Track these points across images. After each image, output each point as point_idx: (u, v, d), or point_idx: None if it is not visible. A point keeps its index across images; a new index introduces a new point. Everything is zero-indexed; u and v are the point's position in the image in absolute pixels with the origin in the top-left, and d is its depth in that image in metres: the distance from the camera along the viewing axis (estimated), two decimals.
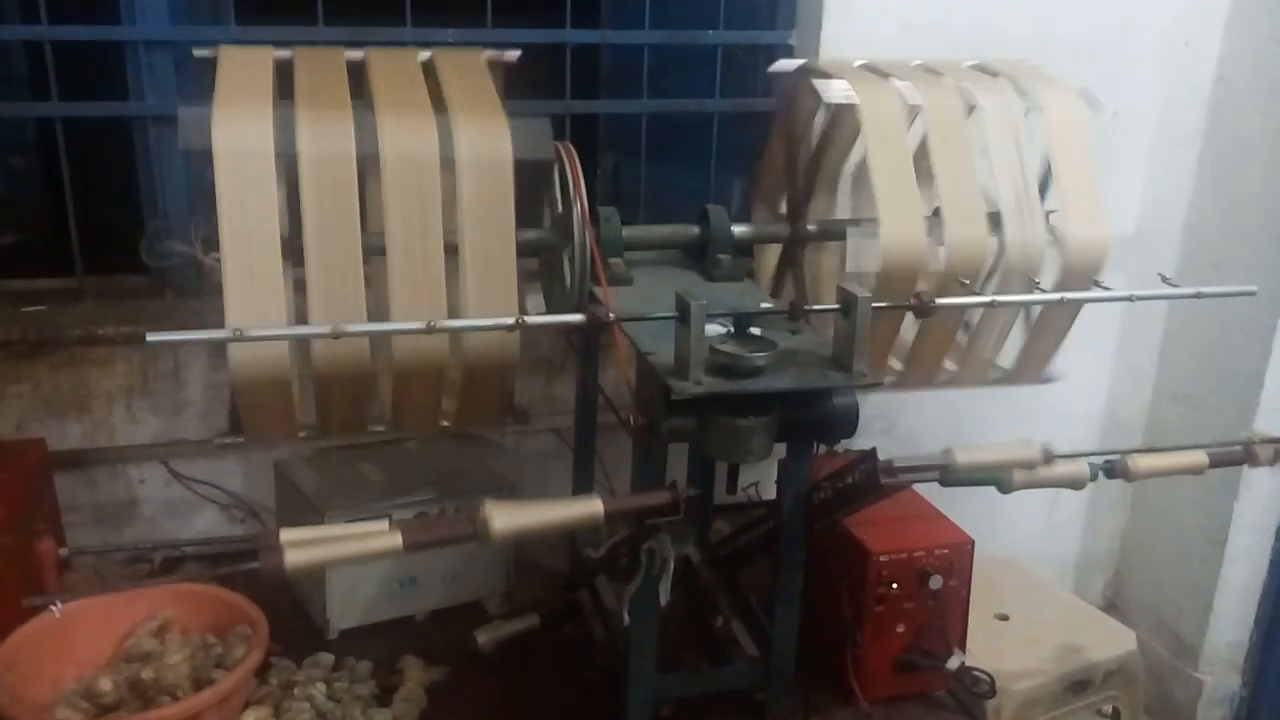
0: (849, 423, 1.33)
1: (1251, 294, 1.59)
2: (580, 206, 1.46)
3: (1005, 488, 1.38)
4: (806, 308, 1.32)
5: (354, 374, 1.38)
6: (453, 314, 1.38)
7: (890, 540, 1.55)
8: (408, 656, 1.66)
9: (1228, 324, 2.29)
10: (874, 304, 1.24)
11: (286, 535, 1.15)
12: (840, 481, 1.37)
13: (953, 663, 1.57)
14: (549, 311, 1.72)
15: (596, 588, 1.73)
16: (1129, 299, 1.53)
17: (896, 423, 2.33)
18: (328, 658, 1.64)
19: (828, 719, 1.58)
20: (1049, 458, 1.35)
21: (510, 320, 1.25)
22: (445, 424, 1.56)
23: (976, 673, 1.57)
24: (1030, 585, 2.12)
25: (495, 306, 1.40)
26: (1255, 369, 2.24)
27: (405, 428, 1.54)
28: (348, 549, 1.13)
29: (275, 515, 1.94)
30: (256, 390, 1.38)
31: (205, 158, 1.32)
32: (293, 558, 1.11)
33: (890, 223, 1.50)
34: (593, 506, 1.18)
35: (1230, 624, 2.45)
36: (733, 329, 1.29)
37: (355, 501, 1.69)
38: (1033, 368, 1.73)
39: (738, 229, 1.67)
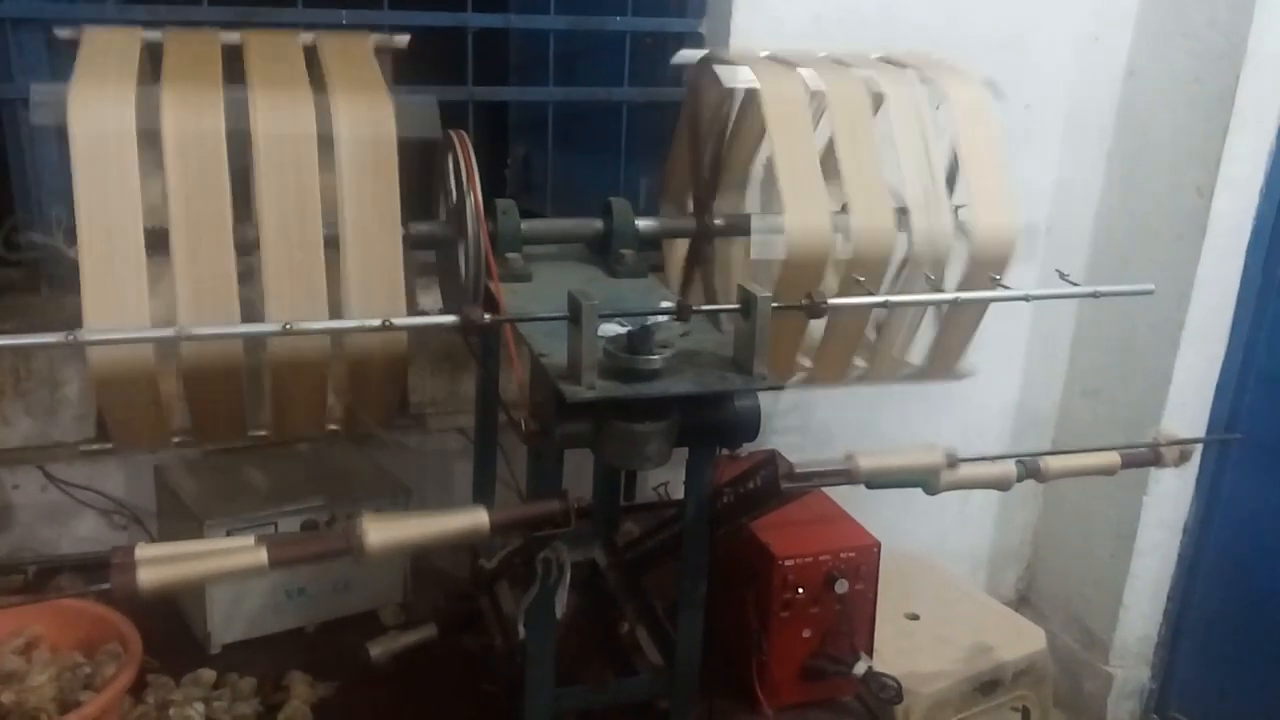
0: (751, 426, 1.28)
1: (1149, 293, 1.58)
2: (474, 199, 1.38)
3: (931, 489, 1.34)
4: (697, 307, 1.26)
5: (225, 373, 1.30)
6: (334, 308, 1.30)
7: (796, 544, 1.51)
8: (294, 672, 1.58)
9: (1136, 320, 2.30)
10: (772, 304, 1.19)
11: (141, 552, 1.06)
12: (742, 487, 1.32)
13: (859, 668, 1.54)
14: (446, 307, 1.65)
15: (497, 595, 1.66)
16: (1025, 298, 1.51)
17: (810, 417, 2.29)
18: (208, 674, 1.55)
19: None
20: (952, 461, 1.31)
21: (376, 322, 1.17)
22: (333, 427, 1.49)
23: (884, 678, 1.53)
24: (941, 583, 2.10)
25: (379, 301, 1.32)
26: (1163, 364, 2.25)
27: (289, 432, 1.45)
28: (206, 567, 1.05)
29: (156, 523, 1.84)
30: (119, 392, 1.29)
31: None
32: (147, 576, 1.03)
33: (794, 209, 1.45)
34: (477, 518, 1.12)
35: (1140, 618, 2.47)
36: (629, 329, 1.22)
37: (237, 510, 1.60)
38: (943, 365, 1.70)
39: (642, 223, 1.61)
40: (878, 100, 1.59)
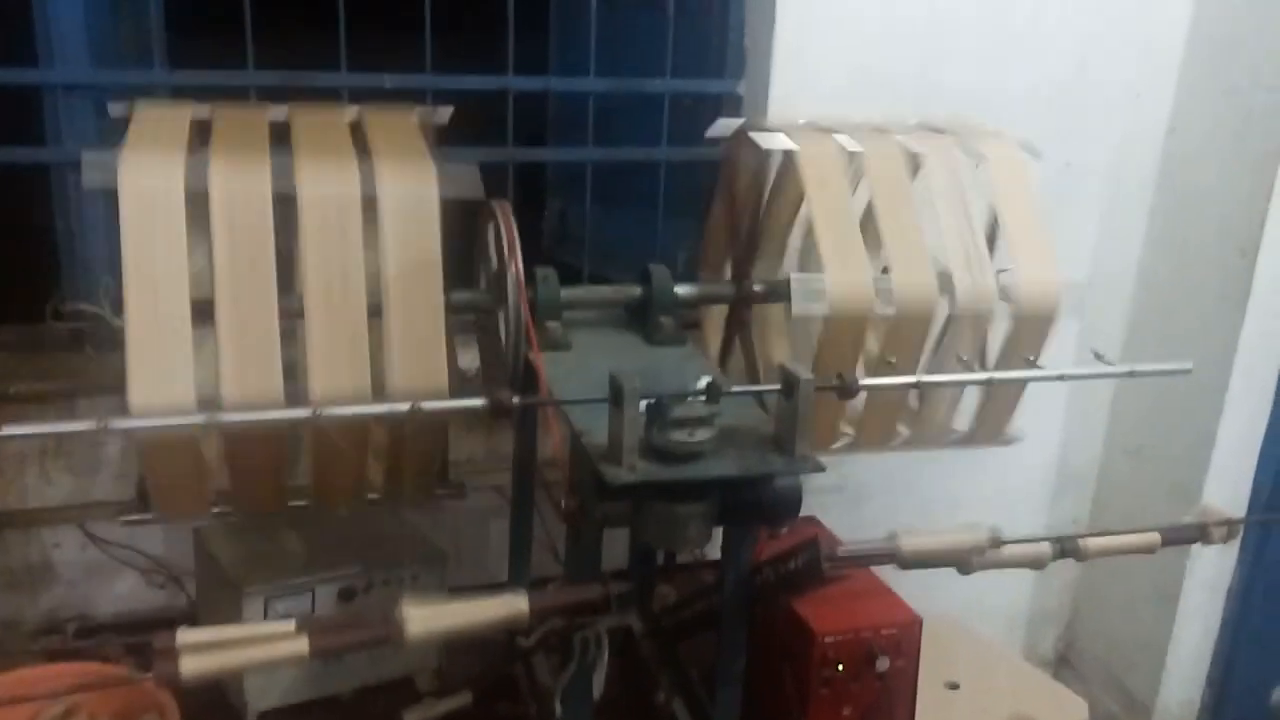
0: (793, 505, 1.26)
1: (1187, 372, 1.56)
2: (515, 271, 1.39)
3: (965, 570, 1.32)
4: (733, 389, 1.25)
5: (266, 442, 1.31)
6: (376, 376, 1.31)
7: (836, 619, 1.49)
8: None
9: (1178, 379, 2.26)
10: (811, 383, 1.18)
11: (183, 637, 1.07)
12: (783, 567, 1.30)
13: None
14: (485, 372, 1.65)
15: (532, 663, 1.66)
16: (1060, 378, 1.50)
17: (848, 475, 2.27)
18: None
19: None
20: (996, 542, 1.29)
21: (405, 407, 1.17)
22: (373, 497, 1.49)
23: None
24: (980, 650, 2.06)
25: (420, 370, 1.33)
26: (1207, 424, 2.21)
27: (329, 502, 1.46)
28: (249, 656, 1.05)
29: (195, 584, 1.85)
30: (161, 461, 1.30)
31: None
32: (190, 665, 1.03)
33: (835, 267, 1.45)
34: (516, 605, 1.11)
35: (1183, 682, 2.41)
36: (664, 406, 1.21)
37: (274, 577, 1.60)
38: (990, 430, 1.68)
39: (681, 289, 1.61)
40: (915, 163, 1.58)
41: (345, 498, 1.45)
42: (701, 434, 1.18)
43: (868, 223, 1.54)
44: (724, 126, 1.66)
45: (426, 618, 1.08)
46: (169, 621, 1.87)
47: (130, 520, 1.38)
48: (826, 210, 1.46)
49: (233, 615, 1.58)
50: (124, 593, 1.91)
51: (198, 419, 1.17)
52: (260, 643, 1.06)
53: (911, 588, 1.59)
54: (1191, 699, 2.43)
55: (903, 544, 1.25)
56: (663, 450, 1.17)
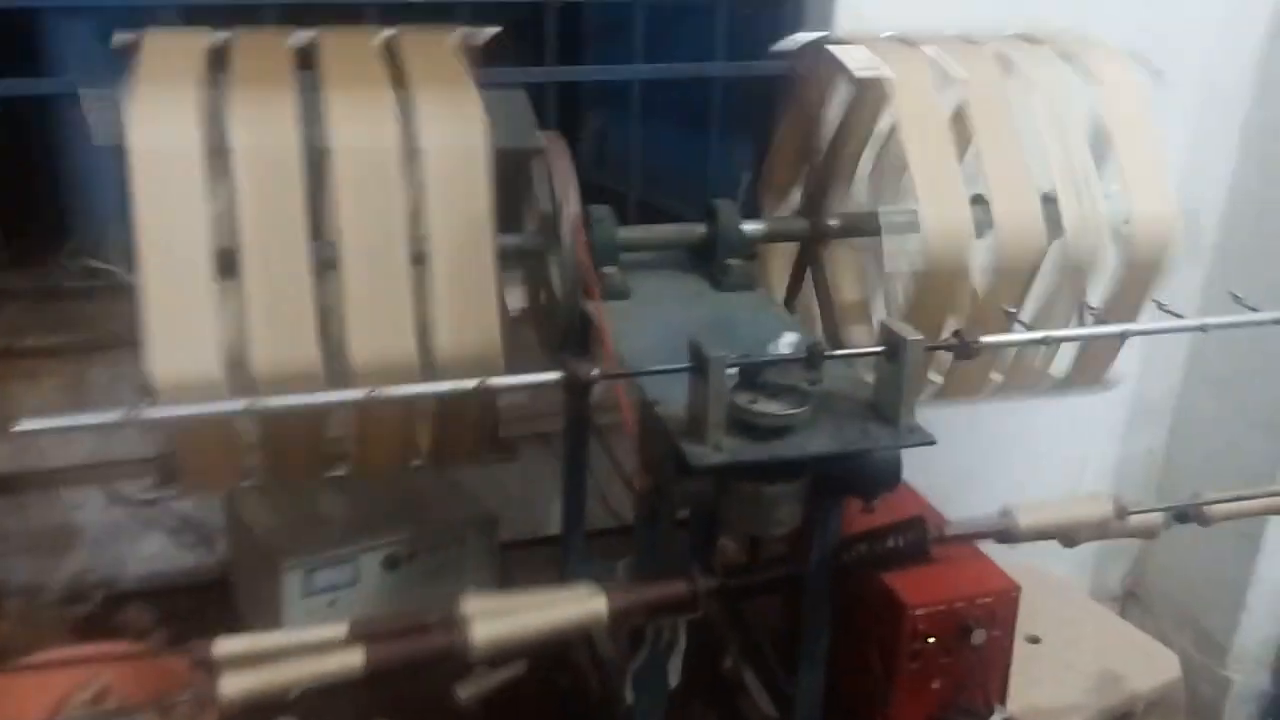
0: (891, 477, 1.13)
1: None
2: (571, 214, 1.24)
3: (1070, 543, 1.19)
4: (834, 352, 1.10)
5: (305, 415, 1.17)
6: (421, 330, 1.17)
7: (926, 590, 1.36)
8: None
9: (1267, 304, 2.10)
10: (923, 346, 1.03)
11: (220, 648, 0.95)
12: (878, 545, 1.17)
13: None
14: (535, 324, 1.51)
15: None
16: (1202, 328, 1.34)
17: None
18: None
19: None
20: (1123, 513, 1.15)
21: (471, 384, 1.03)
22: (418, 463, 1.36)
23: None
24: (1059, 598, 1.94)
25: (473, 329, 1.18)
26: None
27: (370, 468, 1.33)
28: (297, 672, 0.93)
29: (228, 550, 1.74)
30: (191, 438, 1.17)
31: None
32: (230, 687, 0.91)
33: (932, 208, 1.28)
34: (594, 606, 0.99)
35: (1263, 621, 2.30)
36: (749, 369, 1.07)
37: (313, 545, 1.49)
38: (1090, 374, 1.53)
39: (749, 227, 1.45)
40: (1010, 72, 1.40)
41: (388, 465, 1.32)
42: (796, 404, 1.03)
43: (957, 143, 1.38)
44: (796, 41, 1.48)
45: (493, 624, 0.96)
46: (201, 587, 1.79)
47: (151, 497, 1.25)
48: (923, 143, 1.29)
49: (270, 589, 1.47)
50: (153, 554, 1.81)
51: (235, 406, 1.03)
52: (308, 655, 0.94)
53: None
54: (1271, 638, 2.32)
55: (1020, 520, 1.11)
56: (751, 424, 1.03)
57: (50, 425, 0.98)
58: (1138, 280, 1.38)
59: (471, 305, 1.19)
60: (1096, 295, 1.43)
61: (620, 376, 1.09)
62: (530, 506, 1.95)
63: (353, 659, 0.94)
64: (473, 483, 1.75)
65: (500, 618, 0.98)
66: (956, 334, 1.14)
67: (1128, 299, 1.39)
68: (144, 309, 1.09)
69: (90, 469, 1.74)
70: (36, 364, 1.68)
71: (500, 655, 1.05)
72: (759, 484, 1.05)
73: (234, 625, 1.65)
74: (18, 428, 1.01)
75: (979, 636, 1.36)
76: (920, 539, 1.12)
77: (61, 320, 1.71)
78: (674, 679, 1.20)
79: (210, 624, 1.66)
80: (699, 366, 1.00)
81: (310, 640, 0.96)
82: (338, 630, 0.97)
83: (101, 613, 1.69)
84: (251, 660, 0.93)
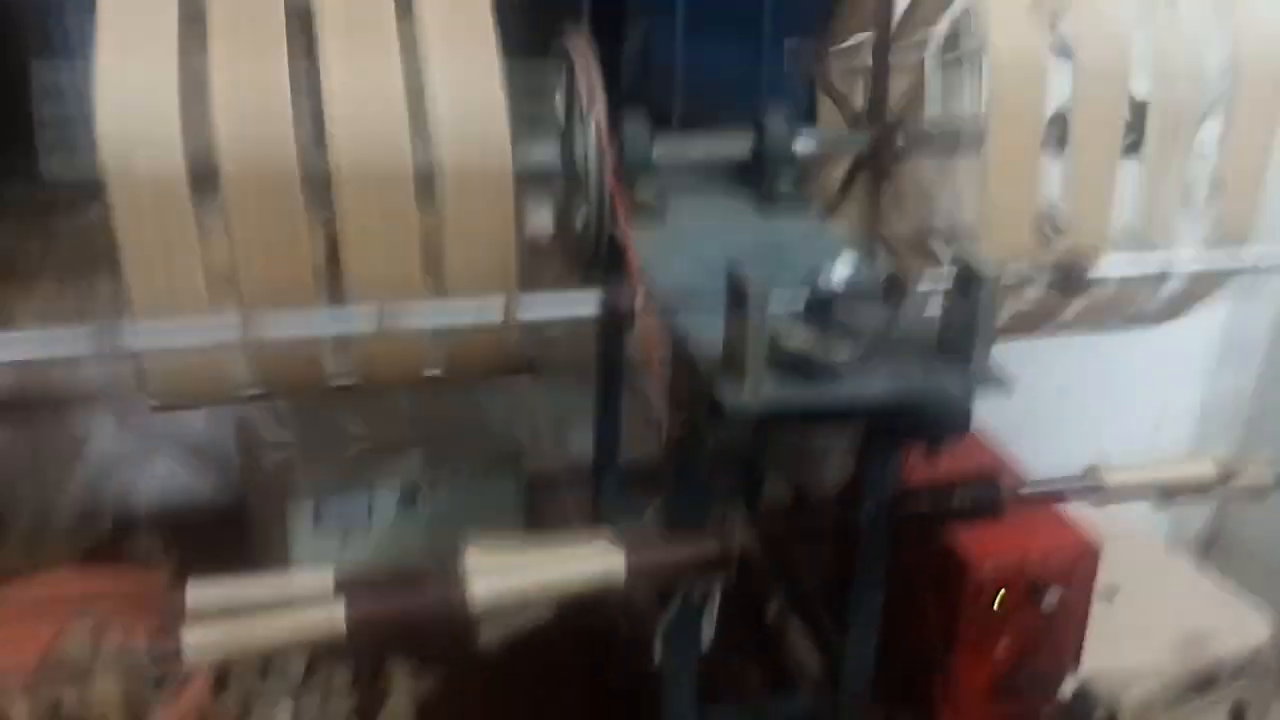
0: (959, 424, 0.98)
1: None
2: (596, 125, 1.09)
3: (1163, 502, 1.04)
4: (909, 286, 0.95)
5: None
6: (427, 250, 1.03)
7: (995, 546, 1.23)
8: (395, 662, 1.38)
9: None
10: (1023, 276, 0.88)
11: (194, 596, 0.84)
12: (944, 499, 1.03)
13: (1065, 690, 1.27)
14: (560, 242, 1.37)
15: None
16: None
17: None
18: (298, 666, 1.36)
19: None
20: (1227, 475, 1.00)
21: (496, 310, 0.90)
22: (433, 373, 1.23)
23: (1093, 699, 1.27)
24: (1135, 548, 1.79)
25: (483, 239, 1.04)
26: None
27: (379, 379, 1.19)
28: (269, 630, 0.82)
29: (239, 476, 1.64)
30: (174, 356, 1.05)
31: None
32: (194, 643, 0.81)
33: (1002, 36, 1.11)
34: (609, 564, 0.87)
35: None
36: (807, 306, 0.92)
37: (326, 475, 1.39)
38: (1180, 305, 1.36)
39: (802, 141, 1.29)
40: None
41: (399, 374, 1.19)
42: (850, 342, 0.89)
43: None
44: None
45: (495, 578, 0.84)
46: (216, 516, 1.70)
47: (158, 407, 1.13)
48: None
49: (279, 521, 1.38)
50: (167, 481, 1.72)
51: (229, 331, 0.91)
52: (284, 612, 0.83)
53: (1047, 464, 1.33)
54: None
55: (1108, 479, 0.97)
56: (797, 363, 0.89)
57: (25, 357, 0.87)
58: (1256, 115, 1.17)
59: (483, 221, 1.05)
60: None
61: (651, 307, 0.95)
62: (561, 440, 1.84)
63: (334, 617, 0.82)
64: (500, 412, 1.63)
65: (504, 574, 0.86)
66: (1063, 266, 0.98)
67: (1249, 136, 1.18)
68: (115, 217, 0.97)
69: (100, 391, 1.65)
70: (32, 273, 1.58)
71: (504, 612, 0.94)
72: (805, 432, 0.92)
73: (247, 557, 1.57)
74: None
75: (1052, 598, 1.23)
76: (992, 499, 0.98)
77: (46, 237, 1.59)
78: (707, 639, 1.08)
79: (224, 555, 1.60)
80: (737, 296, 0.86)
81: (288, 592, 0.85)
82: (323, 581, 0.86)
83: (111, 540, 1.62)
84: (223, 613, 0.82)
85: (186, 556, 1.56)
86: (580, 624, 1.48)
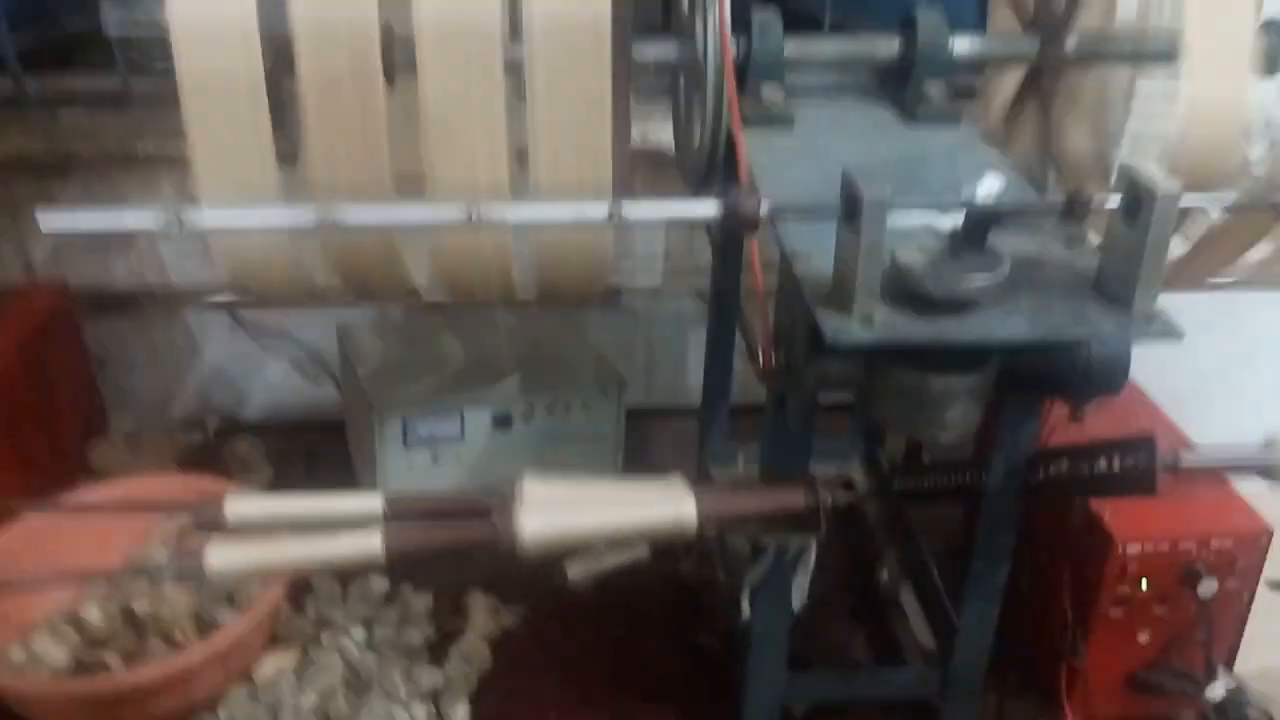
0: (1115, 378, 0.83)
1: None
2: (718, 13, 0.96)
3: None
4: (1086, 202, 0.80)
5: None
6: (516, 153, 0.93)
7: (1145, 523, 1.07)
8: (475, 593, 1.31)
9: None
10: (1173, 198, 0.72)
11: (232, 507, 0.77)
12: (1089, 466, 0.88)
13: (1215, 690, 1.11)
14: (678, 153, 1.25)
15: None
16: None
17: None
18: (379, 586, 1.30)
19: None
20: None
21: (602, 210, 0.79)
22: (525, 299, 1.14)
23: (1250, 708, 1.10)
24: None
25: (578, 143, 0.93)
26: None
27: (464, 290, 1.10)
28: (297, 553, 0.75)
29: (339, 389, 1.60)
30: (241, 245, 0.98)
31: None
32: (216, 561, 0.74)
33: None
34: (678, 511, 0.76)
35: None
36: (956, 232, 0.78)
37: (419, 392, 1.32)
38: None
39: (959, 43, 1.13)
40: None
41: (486, 294, 1.10)
42: (987, 271, 0.75)
43: None
44: None
45: (547, 517, 0.75)
46: (320, 424, 1.66)
47: (223, 301, 1.07)
48: None
49: (368, 436, 1.32)
50: (274, 382, 1.69)
51: (306, 217, 0.83)
52: (316, 538, 0.75)
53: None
54: None
55: None
56: (918, 293, 0.76)
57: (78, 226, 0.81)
58: None
59: (580, 122, 0.94)
60: None
61: (757, 211, 0.82)
62: (678, 369, 1.73)
63: (371, 545, 0.74)
64: (608, 342, 1.53)
65: (560, 511, 0.77)
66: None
67: None
68: (185, 109, 0.90)
69: (213, 289, 1.62)
70: (153, 168, 1.55)
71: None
72: (923, 373, 0.78)
73: (344, 468, 1.53)
74: (44, 227, 0.86)
75: (1208, 587, 1.06)
76: (1146, 467, 0.82)
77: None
78: (799, 600, 0.97)
79: (321, 467, 1.57)
80: (851, 207, 0.73)
81: (325, 512, 0.77)
82: (372, 504, 0.78)
83: (214, 443, 1.60)
84: (252, 532, 0.75)
85: (284, 468, 1.54)
86: (675, 574, 1.39)
